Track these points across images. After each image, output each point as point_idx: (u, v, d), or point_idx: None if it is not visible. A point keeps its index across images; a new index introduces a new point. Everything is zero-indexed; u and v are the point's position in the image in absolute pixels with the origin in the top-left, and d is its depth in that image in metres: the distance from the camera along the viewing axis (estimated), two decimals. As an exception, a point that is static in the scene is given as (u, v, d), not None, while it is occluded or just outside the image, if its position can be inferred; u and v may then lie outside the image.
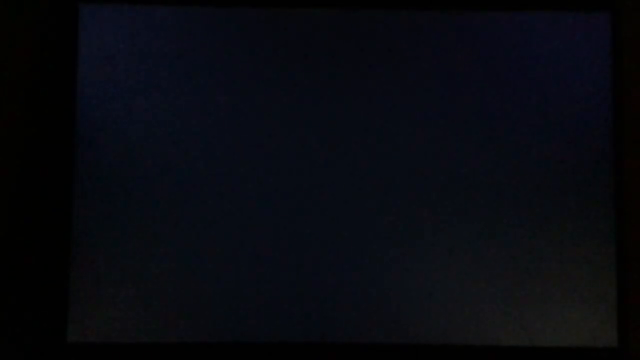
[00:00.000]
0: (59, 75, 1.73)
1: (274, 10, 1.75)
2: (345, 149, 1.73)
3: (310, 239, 1.70)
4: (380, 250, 1.70)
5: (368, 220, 1.71)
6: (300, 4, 1.76)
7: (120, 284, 1.68)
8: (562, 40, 1.75)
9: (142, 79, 1.73)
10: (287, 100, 1.74)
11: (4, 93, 1.75)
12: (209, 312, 1.68)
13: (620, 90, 1.73)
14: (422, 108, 1.73)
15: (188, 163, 1.71)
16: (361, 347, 1.69)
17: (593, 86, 1.73)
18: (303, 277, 1.70)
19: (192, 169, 1.71)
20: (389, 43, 1.75)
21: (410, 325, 1.69)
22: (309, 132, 1.73)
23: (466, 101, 1.73)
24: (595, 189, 1.71)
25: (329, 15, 1.75)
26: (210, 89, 1.73)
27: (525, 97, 1.73)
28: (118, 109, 1.72)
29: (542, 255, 1.70)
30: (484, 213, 1.71)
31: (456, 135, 1.73)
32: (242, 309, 1.69)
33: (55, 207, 1.69)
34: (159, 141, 1.71)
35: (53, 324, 1.66)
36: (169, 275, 1.69)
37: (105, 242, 1.68)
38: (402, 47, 1.75)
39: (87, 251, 1.68)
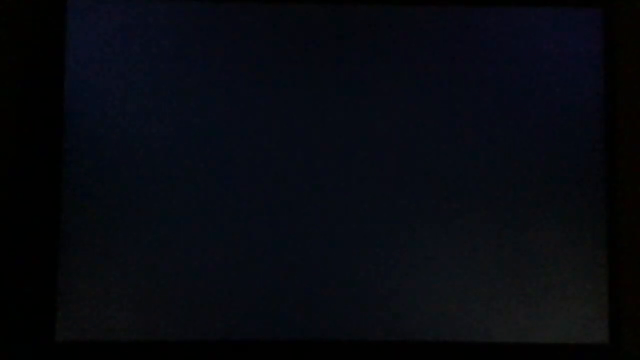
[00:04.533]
0: (47, 71, 1.72)
1: (270, 6, 1.74)
2: (344, 147, 1.72)
3: (309, 237, 1.70)
4: (377, 249, 1.70)
5: (366, 219, 1.70)
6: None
7: (108, 282, 1.67)
8: (555, 36, 1.75)
9: (131, 75, 1.71)
10: (284, 97, 1.72)
11: (-11, 88, 1.74)
12: (199, 310, 1.67)
13: (613, 86, 1.73)
14: (416, 105, 1.73)
15: (180, 160, 1.70)
16: (361, 346, 1.69)
17: (585, 83, 1.73)
18: (301, 276, 1.69)
19: (184, 166, 1.70)
20: (387, 41, 1.74)
21: (405, 322, 1.69)
22: (307, 131, 1.72)
23: (456, 98, 1.73)
24: (587, 185, 1.71)
25: (326, 10, 1.75)
26: (203, 85, 1.72)
27: (516, 94, 1.73)
28: (107, 106, 1.70)
29: (533, 252, 1.70)
30: (477, 211, 1.71)
31: (449, 134, 1.73)
32: (235, 307, 1.68)
33: (44, 205, 1.68)
34: (148, 138, 1.70)
35: (41, 323, 1.65)
36: (158, 273, 1.67)
37: (93, 241, 1.67)
38: (397, 45, 1.74)
39: (75, 249, 1.67)
